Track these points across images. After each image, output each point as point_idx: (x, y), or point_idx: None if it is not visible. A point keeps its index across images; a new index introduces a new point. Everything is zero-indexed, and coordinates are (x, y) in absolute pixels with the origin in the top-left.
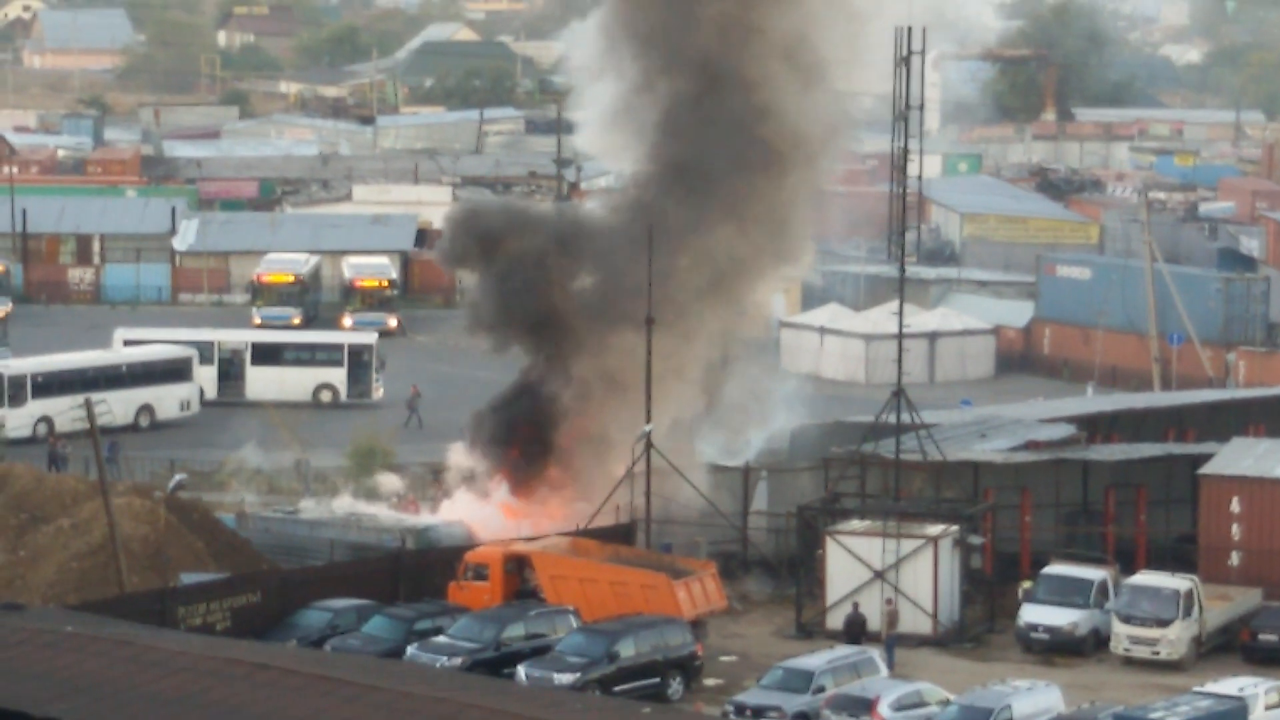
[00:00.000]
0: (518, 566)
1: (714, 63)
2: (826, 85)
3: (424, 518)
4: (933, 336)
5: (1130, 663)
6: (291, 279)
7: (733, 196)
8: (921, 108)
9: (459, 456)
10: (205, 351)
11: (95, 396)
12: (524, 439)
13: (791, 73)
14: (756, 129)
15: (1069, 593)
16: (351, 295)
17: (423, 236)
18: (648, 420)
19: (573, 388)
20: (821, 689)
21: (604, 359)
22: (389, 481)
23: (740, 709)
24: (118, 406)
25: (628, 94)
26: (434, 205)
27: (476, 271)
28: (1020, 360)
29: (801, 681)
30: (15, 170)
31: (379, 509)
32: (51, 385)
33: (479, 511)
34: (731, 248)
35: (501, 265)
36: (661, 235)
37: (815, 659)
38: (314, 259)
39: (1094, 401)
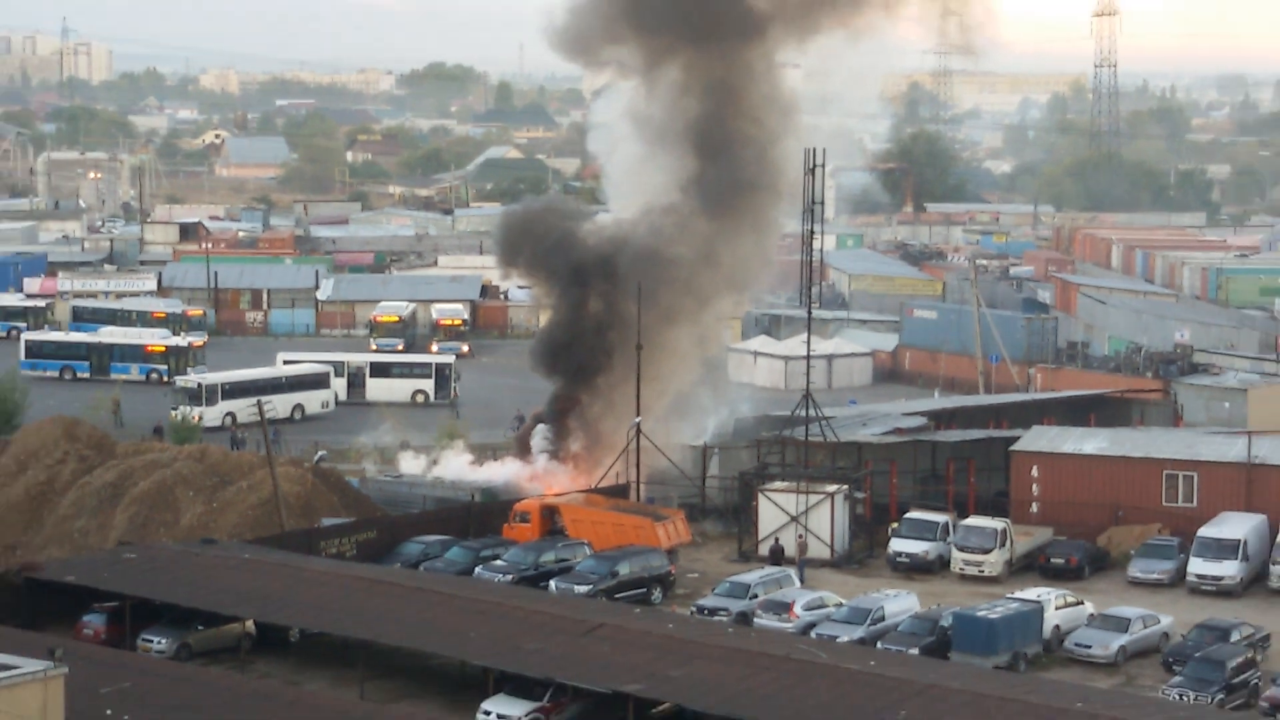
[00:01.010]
0: (550, 513)
1: (724, 87)
2: (796, 129)
3: (487, 477)
4: (830, 358)
5: (964, 578)
6: (397, 319)
7: (747, 211)
8: (822, 203)
9: (537, 436)
10: (338, 368)
11: (264, 399)
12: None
13: (773, 107)
14: (767, 150)
15: (923, 531)
16: (437, 330)
17: (485, 290)
18: (637, 413)
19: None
20: (755, 596)
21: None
22: (466, 455)
23: (701, 609)
24: (279, 405)
25: (654, 102)
26: (493, 269)
27: (527, 249)
28: (889, 374)
29: (742, 591)
30: (210, 246)
31: (456, 473)
32: (234, 391)
33: (533, 470)
34: (737, 257)
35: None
36: (695, 240)
37: (751, 575)
38: (412, 305)
39: (939, 402)
